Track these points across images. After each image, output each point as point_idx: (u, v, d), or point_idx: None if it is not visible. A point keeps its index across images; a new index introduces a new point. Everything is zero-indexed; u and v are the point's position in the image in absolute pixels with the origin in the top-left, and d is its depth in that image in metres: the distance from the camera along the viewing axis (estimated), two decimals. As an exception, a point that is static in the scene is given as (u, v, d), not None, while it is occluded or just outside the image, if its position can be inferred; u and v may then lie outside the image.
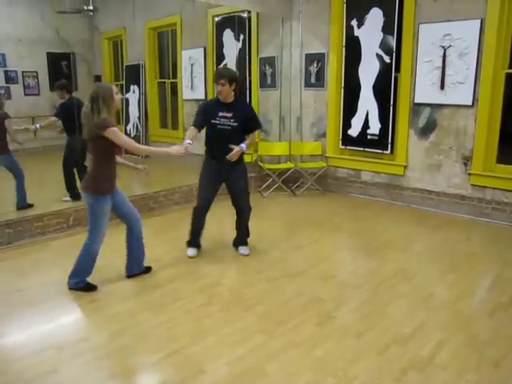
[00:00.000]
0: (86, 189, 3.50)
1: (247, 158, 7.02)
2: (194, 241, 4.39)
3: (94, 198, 3.48)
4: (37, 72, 9.90)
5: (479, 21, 5.09)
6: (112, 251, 4.61)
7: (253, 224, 4.57)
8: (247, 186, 4.30)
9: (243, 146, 4.00)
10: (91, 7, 7.42)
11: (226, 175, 4.16)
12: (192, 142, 3.83)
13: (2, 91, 8.95)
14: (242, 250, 4.41)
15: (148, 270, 3.95)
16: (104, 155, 3.47)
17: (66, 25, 9.49)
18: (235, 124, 4.01)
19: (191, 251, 4.35)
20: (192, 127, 4.02)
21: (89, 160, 3.68)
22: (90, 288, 3.63)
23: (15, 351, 2.83)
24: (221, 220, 5.22)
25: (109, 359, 2.74)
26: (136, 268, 3.86)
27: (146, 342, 2.93)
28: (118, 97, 3.49)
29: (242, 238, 4.44)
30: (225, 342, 2.90)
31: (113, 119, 3.46)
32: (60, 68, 10.29)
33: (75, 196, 5.60)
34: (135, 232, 3.79)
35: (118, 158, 3.99)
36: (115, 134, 3.33)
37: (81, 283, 3.63)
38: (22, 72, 9.69)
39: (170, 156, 3.98)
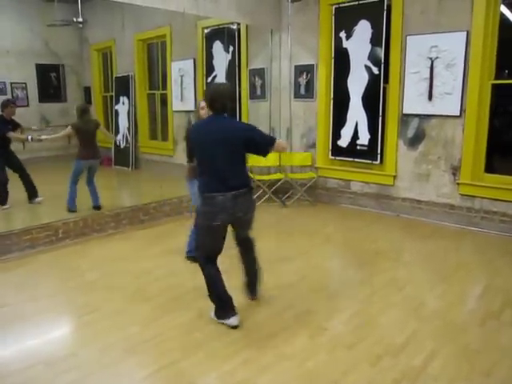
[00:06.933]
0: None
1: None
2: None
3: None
4: (26, 83, 9.88)
5: (465, 33, 5.17)
6: (94, 262, 4.58)
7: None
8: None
9: None
10: (81, 19, 7.42)
11: None
12: None
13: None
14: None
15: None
16: None
17: (56, 36, 9.51)
18: None
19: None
20: None
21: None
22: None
23: (5, 367, 2.78)
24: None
25: (98, 375, 2.70)
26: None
27: (135, 356, 2.89)
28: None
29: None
30: (216, 355, 2.87)
31: None
32: (49, 79, 10.29)
33: None
34: None
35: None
36: None
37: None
38: (11, 83, 9.66)
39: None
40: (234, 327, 3.17)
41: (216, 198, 3.05)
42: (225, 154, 3.05)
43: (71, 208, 5.79)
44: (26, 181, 6.28)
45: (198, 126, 3.50)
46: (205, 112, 4.17)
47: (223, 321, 3.21)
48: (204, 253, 3.27)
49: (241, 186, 3.10)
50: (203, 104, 4.20)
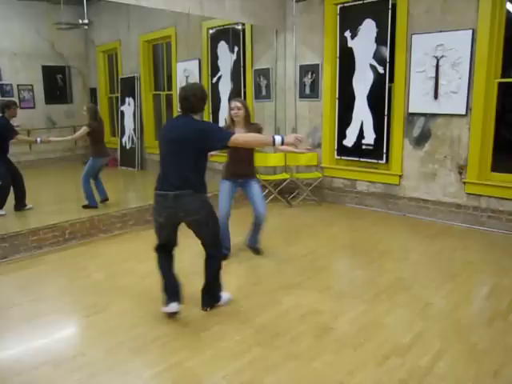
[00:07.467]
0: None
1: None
2: None
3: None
4: (32, 85, 9.92)
5: (471, 31, 5.15)
6: (106, 263, 4.60)
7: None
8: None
9: None
10: (86, 21, 7.44)
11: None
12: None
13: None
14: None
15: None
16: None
17: (62, 38, 9.53)
18: None
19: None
20: None
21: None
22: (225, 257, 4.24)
23: (13, 366, 2.80)
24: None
25: (106, 374, 2.72)
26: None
27: (143, 356, 2.91)
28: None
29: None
30: (223, 354, 2.88)
31: None
32: (55, 81, 10.32)
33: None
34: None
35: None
36: None
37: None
38: (18, 85, 9.71)
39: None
40: (171, 314, 3.28)
41: (159, 196, 3.16)
42: (174, 153, 3.12)
43: (92, 204, 6.00)
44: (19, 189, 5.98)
45: (165, 125, 3.62)
46: (235, 113, 4.21)
47: (164, 306, 3.28)
48: (157, 242, 3.36)
49: (185, 186, 3.10)
50: (233, 104, 4.25)
